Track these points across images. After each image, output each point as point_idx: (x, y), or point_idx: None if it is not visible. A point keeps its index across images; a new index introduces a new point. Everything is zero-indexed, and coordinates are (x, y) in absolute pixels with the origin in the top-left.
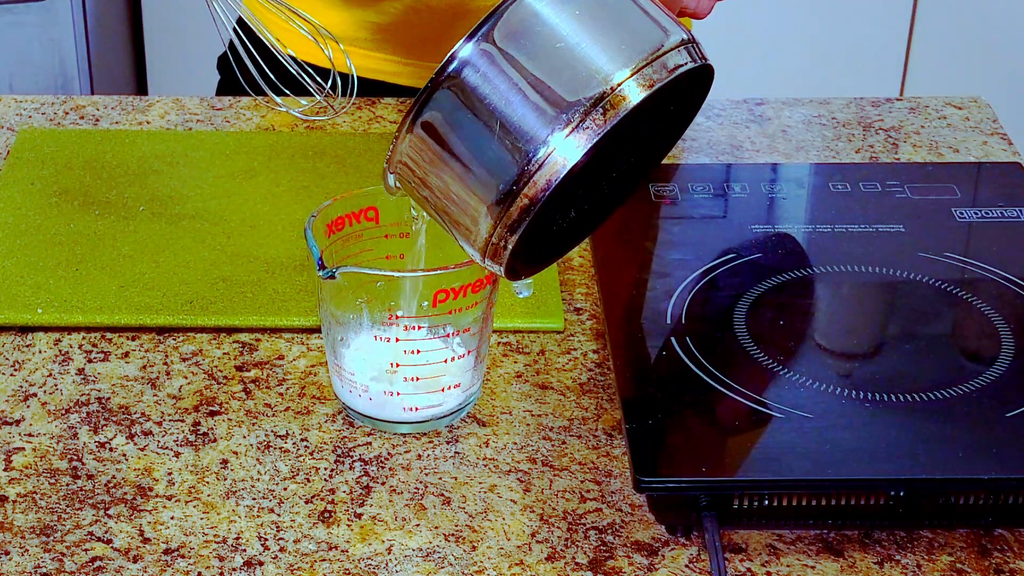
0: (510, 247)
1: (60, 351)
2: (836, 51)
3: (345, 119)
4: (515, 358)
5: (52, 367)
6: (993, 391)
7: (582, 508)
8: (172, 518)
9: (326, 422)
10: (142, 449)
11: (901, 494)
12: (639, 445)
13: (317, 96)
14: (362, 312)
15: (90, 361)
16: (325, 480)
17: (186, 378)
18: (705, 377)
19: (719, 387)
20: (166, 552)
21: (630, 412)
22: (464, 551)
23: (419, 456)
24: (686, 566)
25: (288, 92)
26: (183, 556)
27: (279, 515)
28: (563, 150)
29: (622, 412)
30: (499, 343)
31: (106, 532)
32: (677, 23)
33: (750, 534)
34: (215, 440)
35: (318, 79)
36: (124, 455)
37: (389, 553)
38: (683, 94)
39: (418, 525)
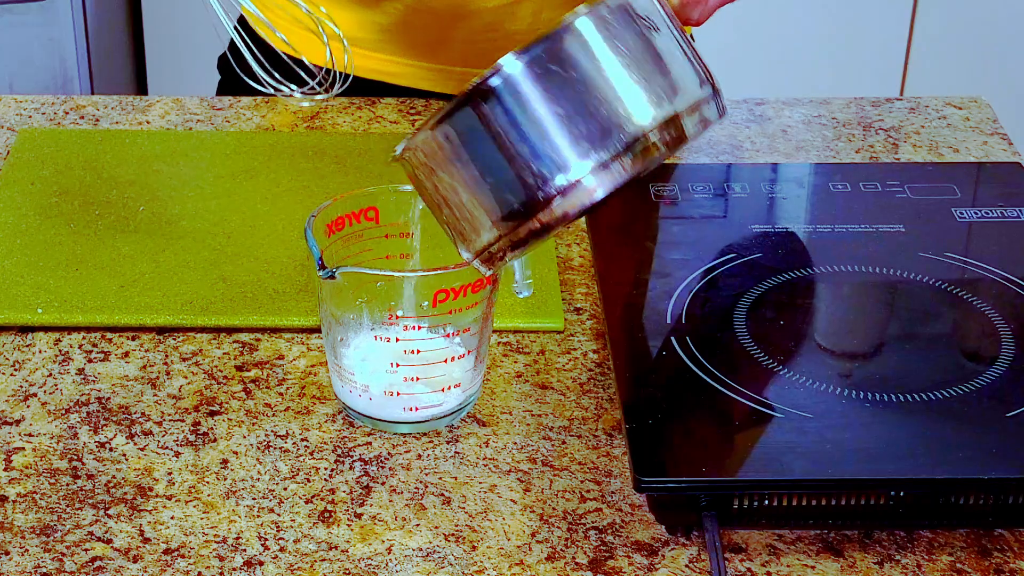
0: (507, 260)
1: (60, 351)
2: (836, 51)
3: (345, 119)
4: (515, 358)
5: (52, 367)
6: (993, 391)
7: (582, 508)
8: (172, 518)
9: (326, 422)
10: (142, 449)
11: (901, 494)
12: (639, 445)
13: (309, 82)
14: (362, 312)
15: (90, 361)
16: (325, 480)
17: (186, 378)
18: (705, 377)
19: (719, 387)
20: (166, 552)
21: (630, 412)
22: (464, 551)
23: (419, 456)
24: (686, 566)
25: (290, 86)
26: (183, 556)
27: (279, 515)
28: (587, 185)
29: (622, 412)
30: (499, 343)
31: (106, 532)
32: (707, 69)
33: (750, 534)
34: (215, 440)
35: (313, 71)
36: (124, 455)
37: (389, 553)
38: None
39: (418, 525)
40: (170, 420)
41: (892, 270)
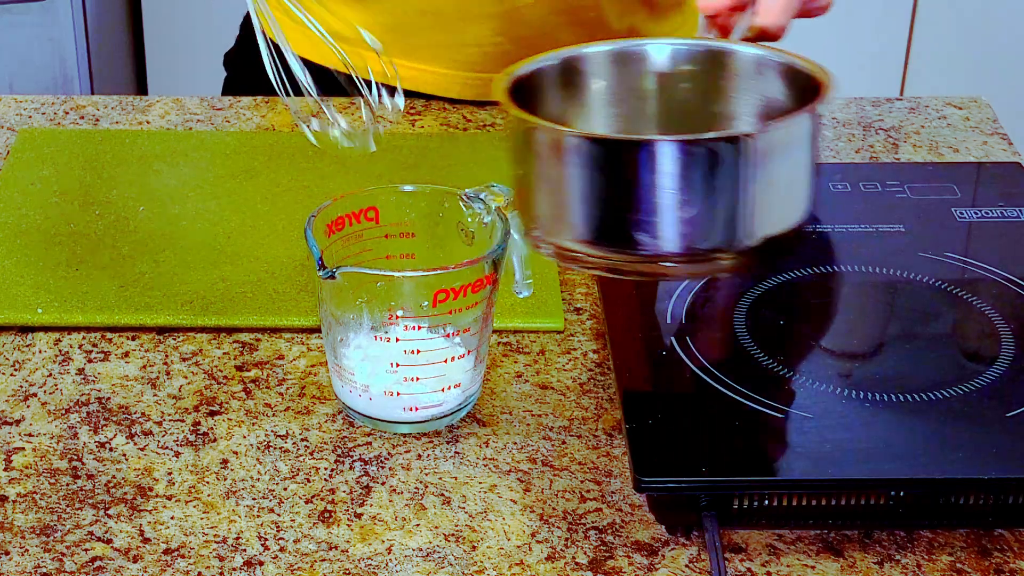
0: (553, 258)
1: (60, 351)
2: (836, 51)
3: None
4: (515, 358)
5: (52, 367)
6: (993, 391)
7: (582, 508)
8: (172, 518)
9: (326, 422)
10: (142, 449)
11: (901, 494)
12: (639, 445)
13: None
14: (362, 312)
15: (90, 361)
16: (325, 480)
17: (186, 378)
18: (705, 377)
19: (719, 387)
20: (166, 552)
21: (630, 412)
22: (464, 551)
23: (419, 456)
24: (686, 566)
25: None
26: (183, 556)
27: (279, 515)
28: (688, 265)
29: (622, 412)
30: (499, 343)
31: (106, 532)
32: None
33: (750, 534)
34: (215, 440)
35: (364, 90)
36: (124, 455)
37: (389, 553)
38: None
39: (418, 525)
40: (170, 420)
41: (892, 270)
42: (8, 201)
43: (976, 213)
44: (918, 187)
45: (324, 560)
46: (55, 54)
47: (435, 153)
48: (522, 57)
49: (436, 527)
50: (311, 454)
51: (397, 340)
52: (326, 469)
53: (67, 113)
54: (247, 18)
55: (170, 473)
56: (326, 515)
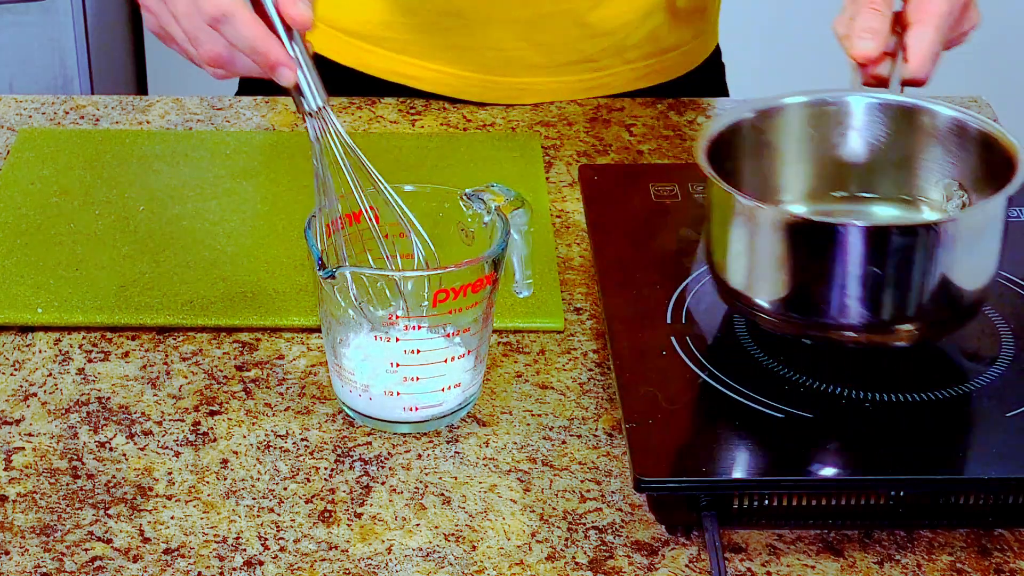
0: (738, 313)
1: (60, 351)
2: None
3: (345, 119)
4: (515, 358)
5: (52, 367)
6: (993, 391)
7: (582, 508)
8: (172, 518)
9: (326, 422)
10: (142, 449)
11: (901, 494)
12: (639, 445)
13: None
14: (362, 313)
15: (90, 361)
16: (325, 480)
17: (186, 378)
18: (705, 377)
19: (719, 387)
20: (166, 552)
21: (630, 412)
22: (464, 551)
23: (419, 456)
24: (686, 566)
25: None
26: (183, 556)
27: (279, 515)
28: (873, 334)
29: (622, 412)
30: (499, 343)
31: (106, 532)
32: None
33: (750, 534)
34: (215, 440)
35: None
36: (124, 455)
37: (389, 553)
38: None
39: (418, 525)
40: (170, 420)
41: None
42: (8, 201)
43: None
44: None
45: (324, 560)
46: (55, 54)
47: (435, 153)
48: (541, 63)
49: (436, 527)
50: (311, 454)
51: (397, 340)
52: (326, 469)
53: (67, 113)
54: None
55: (170, 473)
56: (326, 515)
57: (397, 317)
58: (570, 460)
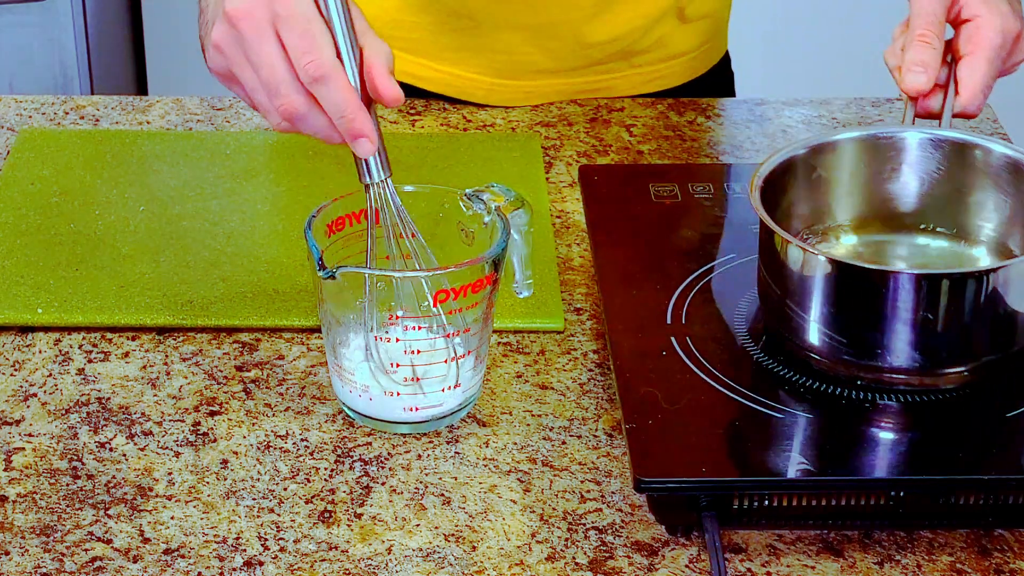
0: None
1: (60, 351)
2: (836, 51)
3: None
4: (515, 358)
5: (52, 367)
6: (993, 391)
7: (582, 508)
8: (172, 518)
9: (326, 422)
10: (142, 449)
11: (901, 494)
12: (639, 445)
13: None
14: (362, 312)
15: (90, 361)
16: (325, 480)
17: (186, 378)
18: (705, 377)
19: (719, 387)
20: (166, 552)
21: (630, 412)
22: (464, 551)
23: (419, 456)
24: (686, 566)
25: None
26: (183, 556)
27: (279, 515)
28: (922, 377)
29: (622, 412)
30: (499, 343)
31: (106, 532)
32: None
33: (750, 534)
34: (215, 440)
35: None
36: (124, 455)
37: (389, 553)
38: None
39: (418, 525)
40: (170, 420)
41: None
42: (8, 201)
43: None
44: None
45: (324, 560)
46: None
47: (435, 153)
48: (549, 67)
49: (436, 527)
50: (311, 454)
51: (397, 340)
52: (326, 469)
53: (67, 113)
54: None
55: (170, 473)
56: (326, 515)
57: (397, 317)
58: (570, 460)
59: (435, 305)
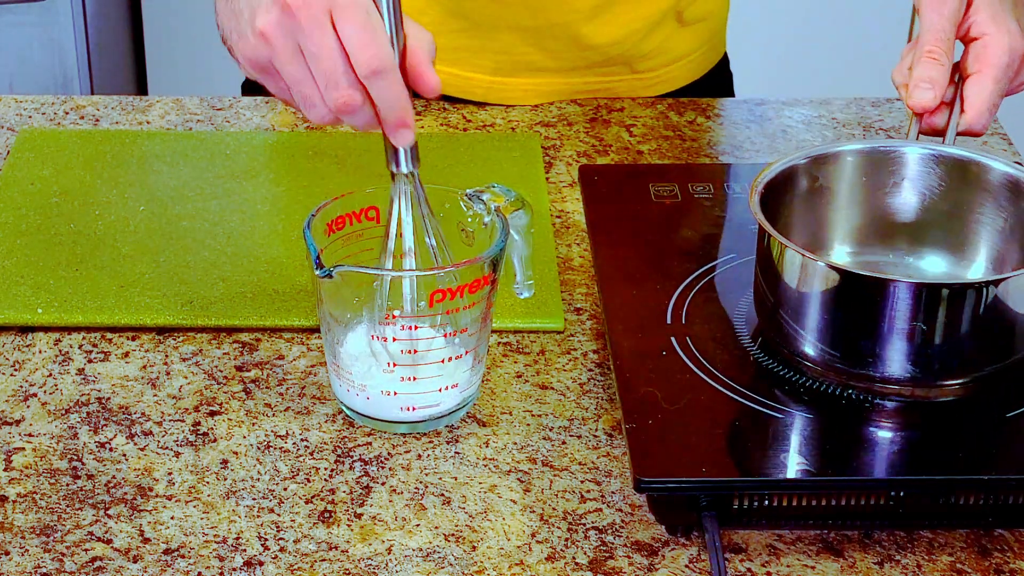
0: (781, 361)
1: (60, 351)
2: (836, 51)
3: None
4: (515, 358)
5: (52, 367)
6: (993, 391)
7: (582, 508)
8: (172, 518)
9: (326, 422)
10: (142, 449)
11: (901, 494)
12: (639, 445)
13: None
14: (360, 312)
15: (90, 361)
16: (325, 480)
17: (186, 378)
18: (705, 377)
19: (719, 387)
20: (166, 552)
21: (630, 412)
22: (464, 551)
23: (419, 456)
24: (686, 566)
25: None
26: (183, 556)
27: (279, 515)
28: (918, 388)
29: (622, 412)
30: (499, 343)
31: (106, 532)
32: None
33: (750, 534)
34: (215, 440)
35: None
36: (124, 455)
37: (389, 553)
38: None
39: (418, 525)
40: (170, 420)
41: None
42: (8, 201)
43: None
44: None
45: (324, 560)
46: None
47: (435, 153)
48: (549, 66)
49: (436, 527)
50: (311, 454)
51: (395, 340)
52: (326, 469)
53: (67, 113)
54: None
55: (170, 473)
56: (326, 515)
57: (395, 316)
58: (570, 460)
59: (431, 305)
